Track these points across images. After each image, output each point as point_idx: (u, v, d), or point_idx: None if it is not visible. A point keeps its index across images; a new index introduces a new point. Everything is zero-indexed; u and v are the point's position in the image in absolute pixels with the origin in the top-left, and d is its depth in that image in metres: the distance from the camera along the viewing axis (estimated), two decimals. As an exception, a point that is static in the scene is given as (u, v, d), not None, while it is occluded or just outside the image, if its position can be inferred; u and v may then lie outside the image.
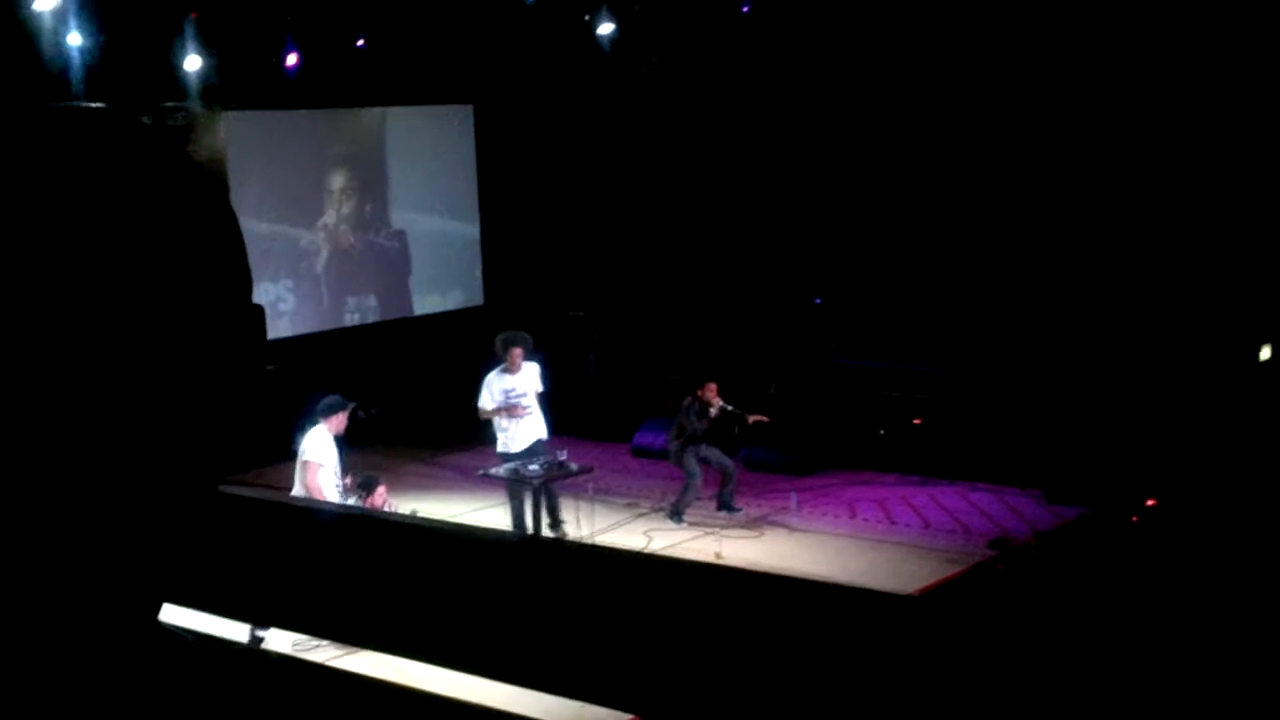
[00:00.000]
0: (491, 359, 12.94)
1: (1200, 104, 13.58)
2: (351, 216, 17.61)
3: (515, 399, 12.73)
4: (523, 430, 12.82)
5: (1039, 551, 12.01)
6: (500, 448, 12.89)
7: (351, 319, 17.61)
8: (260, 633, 9.29)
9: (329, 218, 17.37)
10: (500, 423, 12.81)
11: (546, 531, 12.57)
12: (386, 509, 11.57)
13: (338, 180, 17.45)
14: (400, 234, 18.16)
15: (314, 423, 11.06)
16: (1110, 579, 10.78)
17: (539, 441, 12.92)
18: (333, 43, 15.91)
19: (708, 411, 13.42)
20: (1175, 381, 13.50)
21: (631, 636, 3.54)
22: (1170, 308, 13.85)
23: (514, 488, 12.74)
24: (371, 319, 17.79)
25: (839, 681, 3.27)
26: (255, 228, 15.67)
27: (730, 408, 13.52)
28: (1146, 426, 13.17)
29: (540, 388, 12.95)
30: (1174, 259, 13.86)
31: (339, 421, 11.05)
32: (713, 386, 13.49)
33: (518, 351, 12.71)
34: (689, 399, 13.53)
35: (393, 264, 18.13)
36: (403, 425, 16.20)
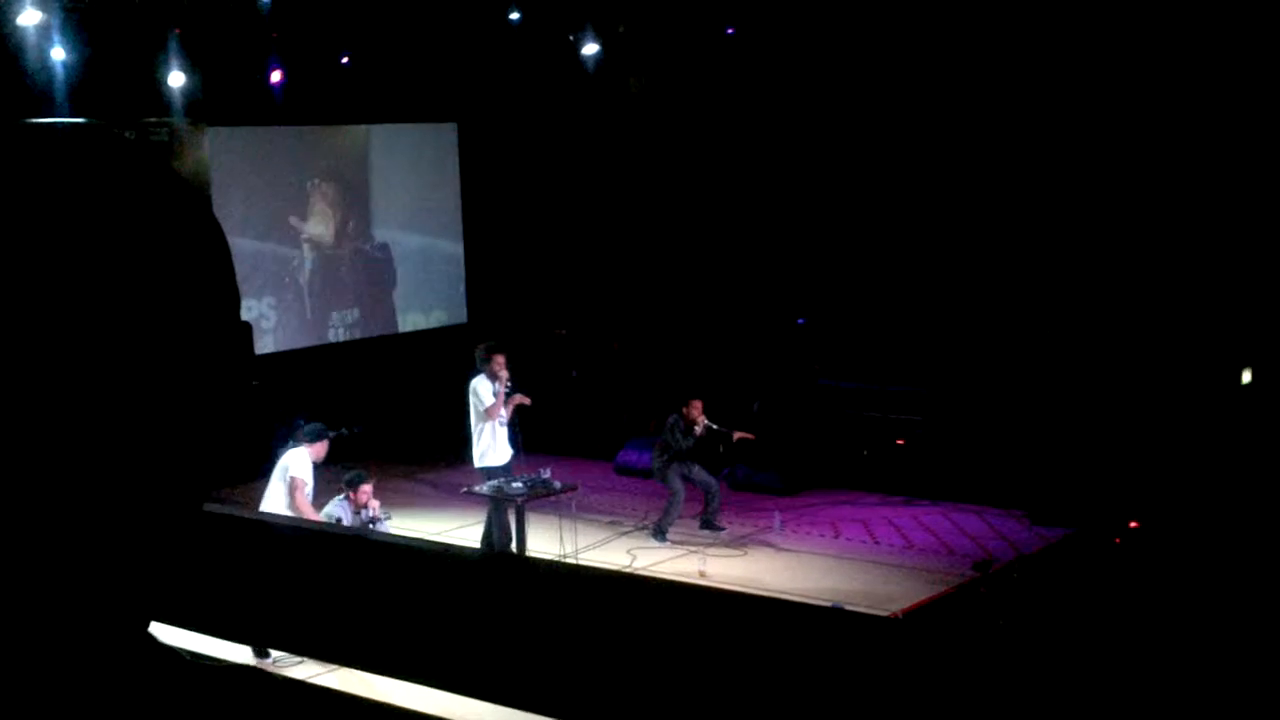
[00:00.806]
0: (472, 370, 12.92)
1: (1183, 129, 13.65)
2: (335, 232, 17.58)
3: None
4: (502, 443, 12.81)
5: (1021, 573, 12.01)
6: (481, 463, 12.83)
7: (335, 334, 17.56)
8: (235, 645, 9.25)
9: (312, 233, 17.34)
10: (482, 438, 12.78)
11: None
12: (371, 506, 11.58)
13: (321, 196, 17.42)
14: (384, 246, 18.14)
15: (297, 444, 11.37)
16: (1093, 600, 10.79)
17: (513, 457, 12.93)
18: (317, 60, 15.90)
19: (693, 429, 13.43)
20: (1159, 404, 13.55)
21: (614, 655, 3.53)
22: (1154, 331, 13.90)
23: (498, 505, 12.70)
24: (356, 334, 17.75)
25: (821, 702, 3.26)
26: (239, 244, 15.64)
27: (715, 425, 13.53)
28: (1130, 448, 13.20)
29: None
30: (1158, 283, 13.91)
31: (322, 448, 11.47)
32: (697, 404, 13.49)
33: (501, 359, 12.70)
34: (674, 417, 13.53)
35: (377, 276, 18.10)
36: (386, 442, 16.16)
